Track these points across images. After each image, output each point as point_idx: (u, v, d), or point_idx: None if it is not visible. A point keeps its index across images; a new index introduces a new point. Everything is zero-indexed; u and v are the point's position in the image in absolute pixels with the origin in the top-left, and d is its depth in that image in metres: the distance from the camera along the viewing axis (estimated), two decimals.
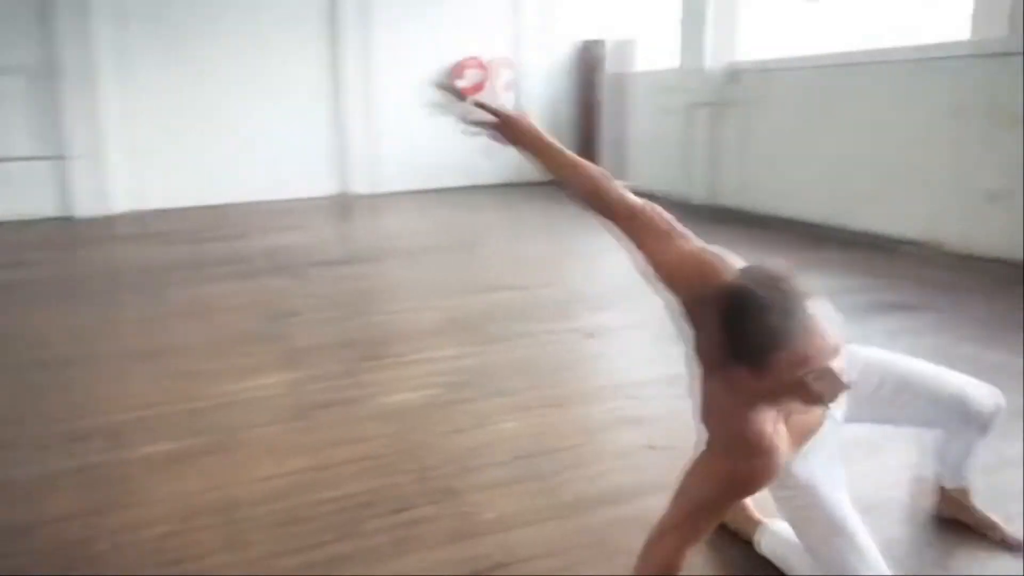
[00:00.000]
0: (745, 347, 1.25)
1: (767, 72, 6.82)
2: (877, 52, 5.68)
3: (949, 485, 1.96)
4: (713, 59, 7.29)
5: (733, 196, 7.25)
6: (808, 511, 1.59)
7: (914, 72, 5.39)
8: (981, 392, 1.73)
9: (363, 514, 2.13)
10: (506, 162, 9.63)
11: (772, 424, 1.40)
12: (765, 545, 1.87)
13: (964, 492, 1.95)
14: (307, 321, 4.05)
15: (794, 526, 1.65)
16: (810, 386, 1.24)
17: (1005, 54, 4.72)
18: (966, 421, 1.72)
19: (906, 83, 5.45)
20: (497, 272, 5.12)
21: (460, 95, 2.07)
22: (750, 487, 1.45)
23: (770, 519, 1.90)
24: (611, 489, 2.25)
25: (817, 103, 6.24)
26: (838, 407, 1.62)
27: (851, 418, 1.70)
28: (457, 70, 9.15)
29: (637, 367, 3.33)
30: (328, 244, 6.48)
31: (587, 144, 9.87)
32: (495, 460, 2.44)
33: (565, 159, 1.76)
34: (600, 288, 4.69)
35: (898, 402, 1.70)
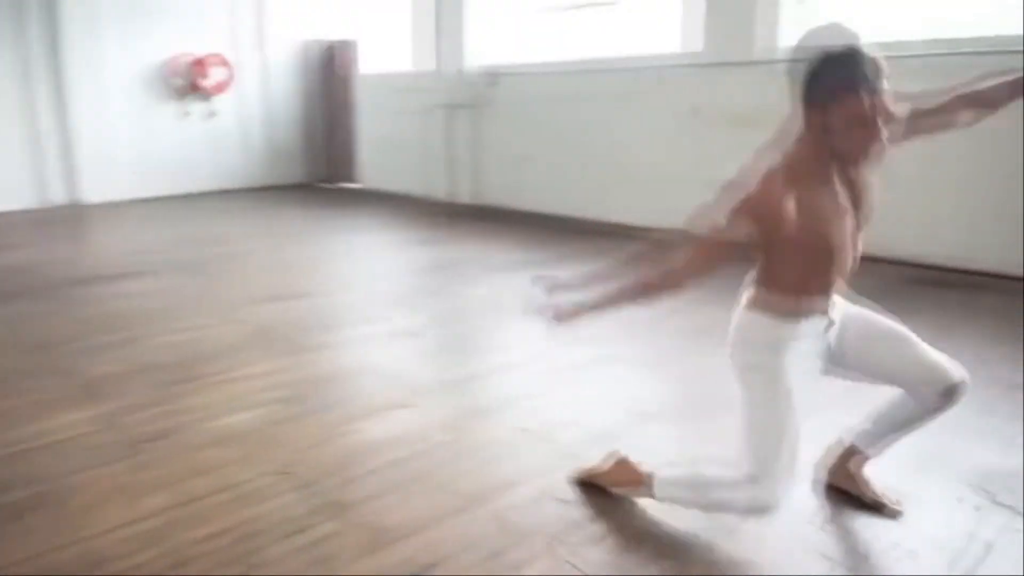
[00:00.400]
0: (830, 83, 1.62)
1: (519, 76, 7.25)
2: (622, 59, 6.34)
3: (862, 446, 2.11)
4: (463, 62, 7.59)
5: (492, 195, 7.63)
6: (763, 391, 1.81)
7: (654, 78, 6.08)
8: (957, 367, 1.91)
9: (258, 543, 1.99)
10: (259, 161, 9.22)
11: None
12: (660, 492, 2.04)
13: (862, 461, 2.13)
14: (87, 348, 3.58)
15: (744, 402, 1.85)
16: (860, 134, 1.62)
17: (732, 63, 5.51)
18: (939, 390, 1.89)
19: (648, 88, 6.14)
20: (276, 280, 4.92)
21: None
22: (753, 207, 1.69)
23: (657, 469, 2.08)
24: (499, 475, 2.32)
25: (570, 106, 6.78)
26: (833, 317, 1.87)
27: (834, 361, 1.91)
28: (199, 67, 8.53)
29: (469, 359, 3.42)
30: (74, 261, 5.72)
31: (320, 145, 9.75)
32: (372, 467, 2.39)
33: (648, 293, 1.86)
34: (388, 288, 4.72)
35: (878, 353, 1.91)
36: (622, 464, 2.18)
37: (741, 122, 5.52)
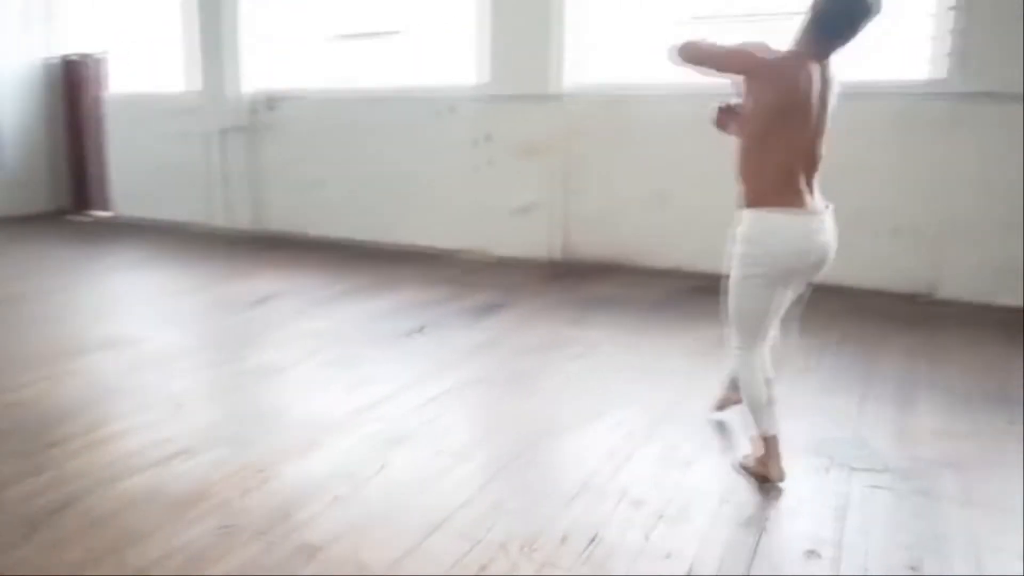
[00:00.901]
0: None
1: (302, 101, 7.22)
2: (413, 89, 6.60)
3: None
4: (239, 84, 7.38)
5: (275, 222, 7.50)
6: (741, 270, 2.54)
7: (446, 107, 6.44)
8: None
9: None
10: None
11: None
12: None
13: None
14: None
15: (730, 280, 2.59)
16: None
17: (521, 96, 6.03)
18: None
19: (441, 117, 6.48)
20: (81, 327, 4.52)
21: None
22: (758, 49, 2.41)
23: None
24: (442, 496, 2.51)
25: (361, 133, 6.91)
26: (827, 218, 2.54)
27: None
28: None
29: (356, 390, 3.48)
30: None
31: (65, 171, 8.86)
32: (318, 508, 2.44)
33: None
34: (221, 326, 4.58)
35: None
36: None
37: (530, 151, 6.09)
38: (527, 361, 3.89)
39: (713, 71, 2.49)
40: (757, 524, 2.38)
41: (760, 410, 2.62)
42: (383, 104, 6.74)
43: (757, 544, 2.26)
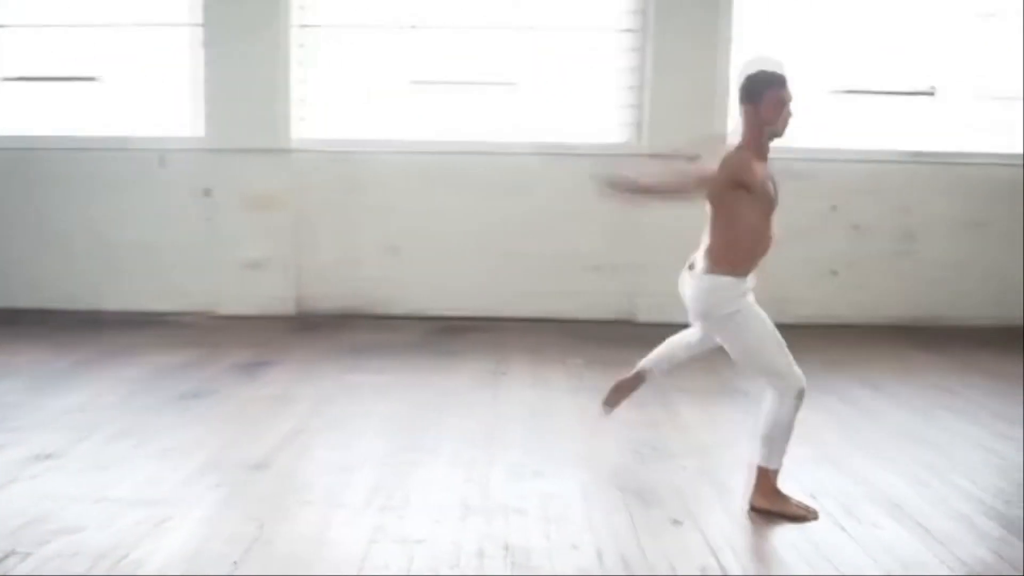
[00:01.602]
0: (754, 89, 2.63)
1: None
2: (109, 140, 6.00)
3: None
4: None
5: None
6: (750, 322, 2.71)
7: (154, 159, 6.00)
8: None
9: None
10: None
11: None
12: (770, 463, 2.77)
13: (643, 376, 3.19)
14: None
15: (737, 337, 2.75)
16: (779, 119, 2.62)
17: (245, 150, 5.89)
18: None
19: (139, 172, 5.99)
20: None
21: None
22: (733, 165, 2.64)
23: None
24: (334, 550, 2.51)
25: (47, 187, 6.06)
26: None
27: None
28: None
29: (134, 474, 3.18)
30: None
31: None
32: None
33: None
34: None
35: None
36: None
37: (258, 205, 5.97)
38: (341, 407, 3.89)
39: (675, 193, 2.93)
40: (626, 506, 2.81)
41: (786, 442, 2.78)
42: (82, 155, 6.02)
43: (632, 519, 2.69)
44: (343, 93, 6.02)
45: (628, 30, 5.99)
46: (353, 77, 6.00)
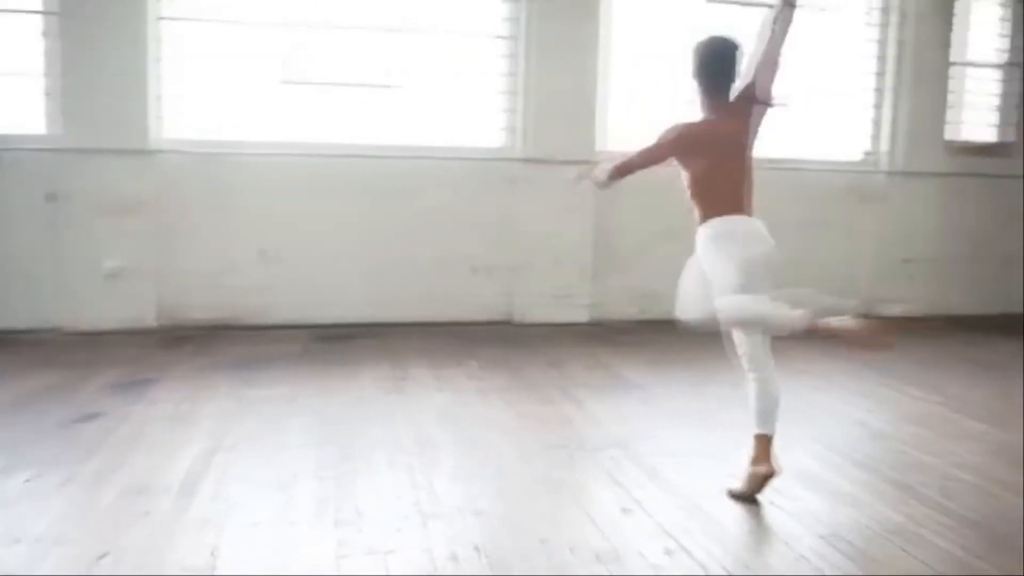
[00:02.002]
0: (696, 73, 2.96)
1: None
2: None
3: None
4: None
5: None
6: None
7: None
8: None
9: None
10: None
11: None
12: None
13: None
14: None
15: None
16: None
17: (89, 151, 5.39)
18: None
19: None
20: None
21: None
22: (674, 134, 2.94)
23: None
24: None
25: None
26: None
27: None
28: None
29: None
30: None
31: None
32: None
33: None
34: None
35: None
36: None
37: (114, 210, 5.49)
38: (249, 424, 3.68)
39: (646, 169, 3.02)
40: (575, 500, 2.91)
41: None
42: None
43: (586, 512, 2.79)
44: (210, 91, 5.67)
45: (504, 36, 6.11)
46: (221, 75, 5.67)
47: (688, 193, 3.08)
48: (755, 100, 3.02)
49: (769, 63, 3.03)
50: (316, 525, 2.64)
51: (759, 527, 2.76)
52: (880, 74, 6.87)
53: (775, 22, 2.97)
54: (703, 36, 3.04)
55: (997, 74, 7.20)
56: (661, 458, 3.39)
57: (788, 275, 6.74)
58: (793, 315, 2.69)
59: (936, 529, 2.75)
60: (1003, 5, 7.14)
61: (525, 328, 6.14)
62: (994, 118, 7.23)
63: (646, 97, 6.52)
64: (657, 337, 5.89)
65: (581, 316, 6.37)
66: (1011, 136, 7.26)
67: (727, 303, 2.84)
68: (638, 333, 6.07)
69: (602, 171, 3.06)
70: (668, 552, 2.53)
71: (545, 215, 6.23)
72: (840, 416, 4.18)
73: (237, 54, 5.70)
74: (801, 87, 6.62)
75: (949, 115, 7.00)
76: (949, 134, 7.03)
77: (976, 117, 7.19)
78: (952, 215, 7.09)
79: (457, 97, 6.11)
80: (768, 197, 6.70)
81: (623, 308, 6.53)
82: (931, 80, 6.88)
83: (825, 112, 6.89)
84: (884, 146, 6.95)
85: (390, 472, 3.14)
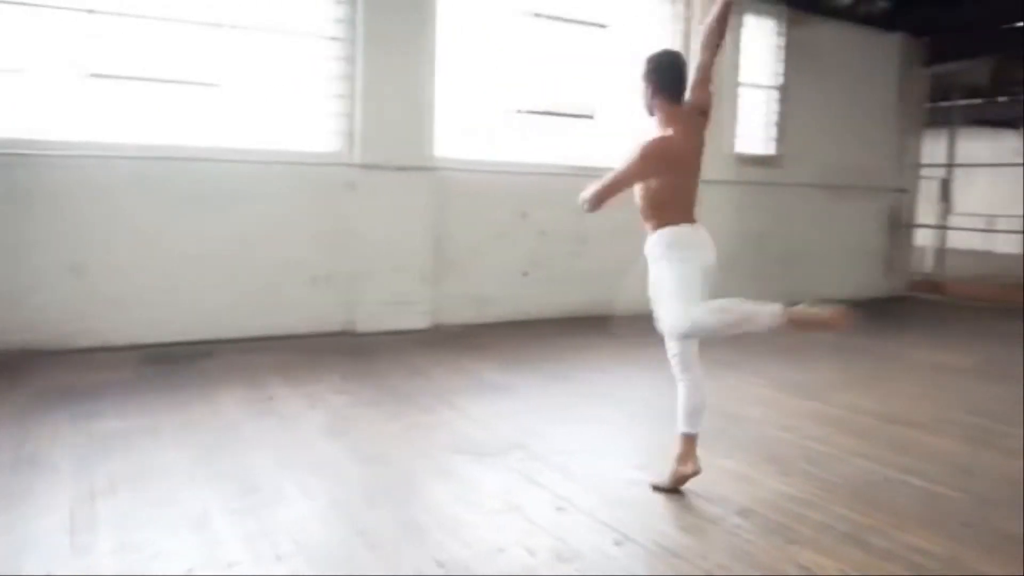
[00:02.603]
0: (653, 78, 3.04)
1: None
2: None
3: None
4: None
5: None
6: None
7: None
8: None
9: None
10: None
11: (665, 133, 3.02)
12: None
13: None
14: None
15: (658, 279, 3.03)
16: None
17: None
18: None
19: None
20: None
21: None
22: (652, 152, 2.96)
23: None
24: None
25: None
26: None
27: None
28: None
29: None
30: None
31: None
32: None
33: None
34: None
35: None
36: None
37: None
38: (116, 463, 3.25)
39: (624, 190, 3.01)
40: (506, 504, 2.94)
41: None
42: None
43: (524, 514, 2.85)
44: (4, 85, 4.90)
45: (336, 38, 5.92)
46: (15, 65, 4.92)
47: (645, 203, 3.11)
48: (706, 111, 3.16)
49: (710, 74, 3.15)
50: (259, 565, 2.43)
51: (686, 511, 2.97)
52: None
53: (711, 34, 3.09)
54: (655, 50, 3.16)
55: (773, 95, 8.25)
56: (562, 456, 3.52)
57: (604, 282, 7.18)
58: (774, 310, 2.84)
59: (818, 493, 3.14)
60: (779, 34, 8.19)
61: (368, 337, 6.01)
62: (770, 133, 8.27)
63: (478, 104, 6.67)
64: (496, 339, 6.08)
65: (421, 322, 6.36)
66: (778, 150, 8.36)
67: (711, 308, 2.95)
68: (478, 336, 6.19)
69: (582, 201, 3.06)
70: (617, 543, 2.66)
71: (384, 221, 6.14)
72: (650, 398, 4.56)
73: (35, 42, 4.99)
74: (612, 102, 7.15)
75: (738, 130, 7.90)
76: (738, 147, 7.94)
77: (754, 132, 8.18)
78: (742, 219, 8.01)
79: (289, 99, 5.83)
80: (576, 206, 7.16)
81: (460, 312, 6.61)
82: (724, 99, 7.72)
83: (633, 127, 7.47)
84: None
85: (307, 499, 2.96)
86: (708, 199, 7.84)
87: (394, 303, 6.24)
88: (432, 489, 3.14)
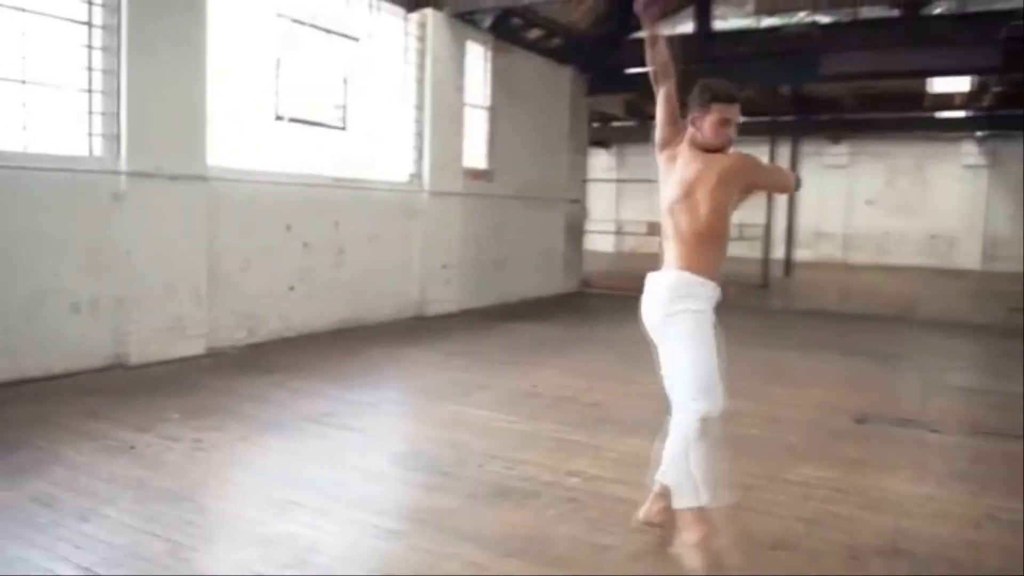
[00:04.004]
0: (705, 97, 2.66)
1: None
2: None
3: None
4: None
5: None
6: (699, 328, 2.59)
7: None
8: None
9: None
10: None
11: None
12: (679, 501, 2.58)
13: None
14: None
15: (684, 336, 2.58)
16: (719, 128, 2.65)
17: None
18: None
19: None
20: None
21: None
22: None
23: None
24: None
25: None
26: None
27: None
28: None
29: None
30: None
31: None
32: None
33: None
34: None
35: None
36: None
37: None
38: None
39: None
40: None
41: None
42: None
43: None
44: None
45: (96, 25, 5.07)
46: None
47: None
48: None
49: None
50: None
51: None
52: (419, 108, 7.93)
53: (666, 64, 2.90)
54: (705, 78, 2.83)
55: (484, 115, 9.02)
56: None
57: (361, 291, 7.31)
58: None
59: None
60: (487, 60, 8.97)
61: (144, 370, 5.26)
62: (484, 150, 9.05)
63: (243, 111, 6.25)
64: (274, 356, 5.82)
65: (198, 347, 5.76)
66: (490, 164, 9.20)
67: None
68: (257, 357, 5.83)
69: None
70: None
71: (154, 237, 5.44)
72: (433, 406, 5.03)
73: None
74: (361, 114, 7.24)
75: (464, 146, 8.51)
76: (465, 162, 8.54)
77: (477, 149, 8.89)
78: (466, 227, 8.64)
79: (39, 91, 4.85)
80: (341, 214, 7.15)
81: (233, 333, 6.15)
82: (452, 117, 8.26)
83: (382, 139, 7.64)
84: (425, 170, 8.04)
85: (230, 547, 2.75)
86: (445, 209, 8.56)
87: (168, 328, 5.55)
88: (352, 521, 3.12)
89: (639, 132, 15.70)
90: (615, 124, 16.69)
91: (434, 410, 4.61)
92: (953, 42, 8.23)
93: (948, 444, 4.16)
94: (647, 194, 17.34)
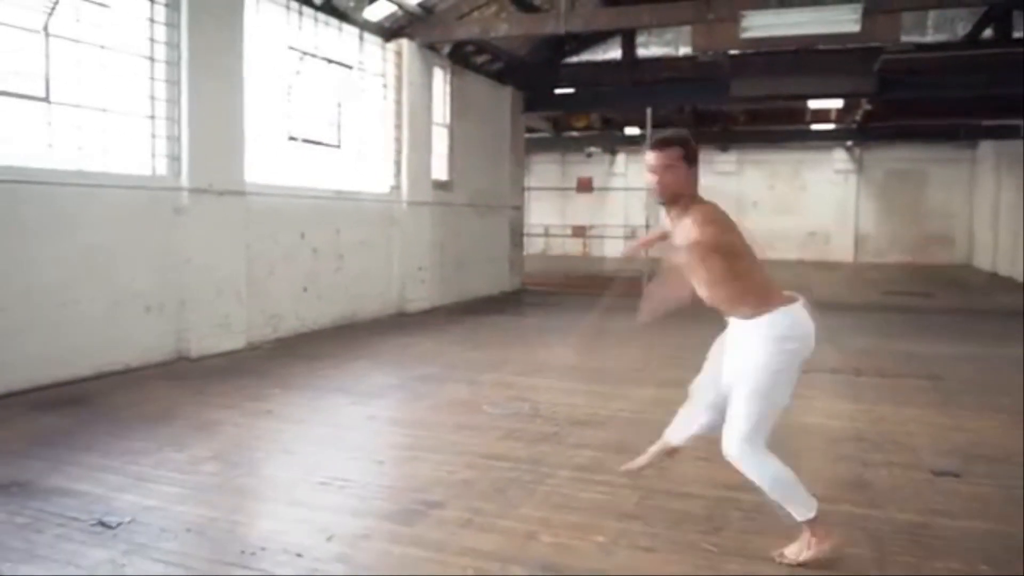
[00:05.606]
0: (690, 153, 2.76)
1: None
2: None
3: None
4: None
5: None
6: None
7: None
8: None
9: None
10: None
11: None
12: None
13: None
14: None
15: (748, 368, 2.66)
16: (649, 177, 2.72)
17: None
18: None
19: None
20: None
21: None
22: (717, 219, 2.74)
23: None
24: None
25: None
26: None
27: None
28: None
29: None
30: None
31: None
32: None
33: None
34: None
35: None
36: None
37: None
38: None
39: None
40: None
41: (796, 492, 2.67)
42: None
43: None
44: None
45: (162, 60, 5.80)
46: None
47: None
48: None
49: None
50: None
51: None
52: (398, 127, 8.88)
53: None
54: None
55: (444, 132, 10.04)
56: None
57: (355, 293, 8.21)
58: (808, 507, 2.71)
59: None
60: (446, 82, 10.00)
61: (204, 361, 6.00)
62: (445, 163, 10.07)
63: (268, 132, 7.04)
64: (301, 347, 6.67)
65: (239, 342, 6.53)
66: (450, 176, 10.23)
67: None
68: (288, 348, 6.67)
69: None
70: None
71: (208, 246, 6.19)
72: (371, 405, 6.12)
73: None
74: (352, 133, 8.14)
75: (432, 160, 9.51)
76: (433, 174, 9.55)
77: (441, 162, 9.90)
78: (433, 232, 9.63)
79: (116, 119, 5.54)
80: (340, 223, 8.06)
81: (261, 330, 6.93)
82: (424, 134, 9.26)
83: (367, 155, 8.55)
84: (403, 182, 9.00)
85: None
86: (419, 217, 9.48)
87: (217, 325, 6.30)
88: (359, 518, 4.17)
89: (547, 143, 17.40)
90: (527, 136, 18.11)
91: (479, 380, 5.60)
92: (838, 71, 10.02)
93: (868, 383, 5.60)
94: (552, 199, 19.03)
